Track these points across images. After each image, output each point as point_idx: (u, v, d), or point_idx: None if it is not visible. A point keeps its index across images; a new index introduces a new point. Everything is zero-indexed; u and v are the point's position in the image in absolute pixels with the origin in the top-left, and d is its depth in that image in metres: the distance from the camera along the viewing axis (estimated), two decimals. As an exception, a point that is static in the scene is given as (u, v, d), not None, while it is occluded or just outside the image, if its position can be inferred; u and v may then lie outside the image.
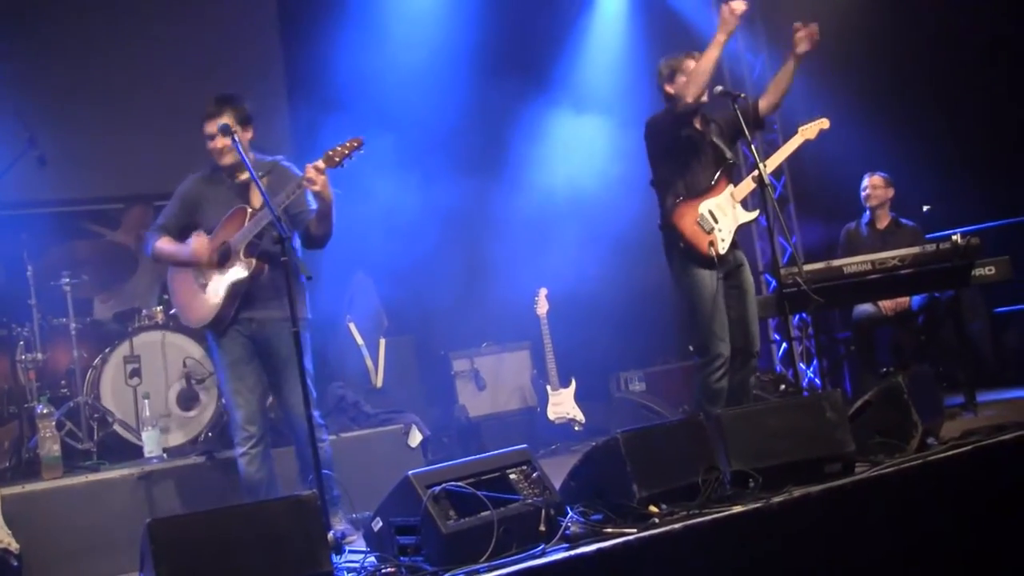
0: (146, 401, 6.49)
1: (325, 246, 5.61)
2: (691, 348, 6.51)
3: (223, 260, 5.46)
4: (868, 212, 8.42)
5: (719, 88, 6.25)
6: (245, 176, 5.58)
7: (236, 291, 5.45)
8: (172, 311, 7.07)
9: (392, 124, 8.36)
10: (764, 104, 6.38)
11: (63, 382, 6.92)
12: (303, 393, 4.95)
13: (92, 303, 7.54)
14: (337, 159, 5.16)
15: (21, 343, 6.73)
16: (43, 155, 6.81)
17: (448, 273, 9.09)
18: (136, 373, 6.75)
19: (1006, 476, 5.00)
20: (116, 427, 6.67)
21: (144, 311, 7.13)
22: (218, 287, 5.48)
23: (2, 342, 6.78)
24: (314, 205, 5.46)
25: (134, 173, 8.51)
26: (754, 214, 6.37)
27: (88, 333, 7.07)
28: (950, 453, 5.00)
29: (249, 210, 5.48)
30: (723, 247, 6.14)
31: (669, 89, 6.30)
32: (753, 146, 6.18)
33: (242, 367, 5.55)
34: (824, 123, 6.85)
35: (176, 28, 9.00)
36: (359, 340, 8.60)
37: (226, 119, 5.47)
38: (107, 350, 6.84)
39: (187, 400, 6.88)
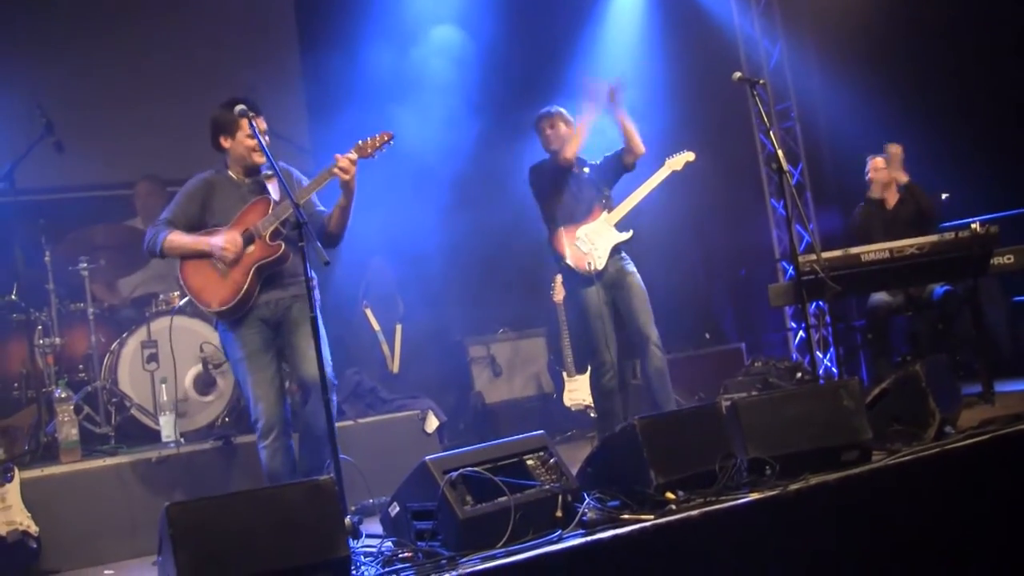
0: (163, 386, 6.50)
1: (337, 246, 5.65)
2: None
3: (246, 244, 5.47)
4: (876, 194, 8.27)
5: (738, 75, 6.43)
6: (259, 176, 5.63)
7: (260, 275, 5.43)
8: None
9: (409, 113, 8.35)
10: (627, 159, 6.93)
11: (81, 367, 6.92)
12: (321, 375, 4.90)
13: (109, 287, 7.55)
14: (369, 150, 5.27)
15: (39, 328, 6.73)
16: (60, 141, 6.81)
17: (465, 259, 9.09)
18: (153, 358, 6.75)
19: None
20: (133, 411, 6.68)
21: (161, 296, 7.14)
22: (242, 272, 5.43)
23: (20, 327, 6.79)
24: (320, 207, 5.57)
25: (151, 159, 8.50)
26: (628, 234, 6.88)
27: (105, 318, 7.08)
28: (968, 442, 5.00)
29: (271, 202, 5.49)
30: (600, 263, 6.80)
31: (546, 141, 6.99)
32: (772, 133, 6.19)
33: (260, 358, 5.48)
34: (690, 156, 7.06)
35: (195, 19, 9.00)
36: (375, 326, 8.62)
37: (263, 123, 5.53)
38: (124, 335, 6.85)
39: (204, 385, 6.88)
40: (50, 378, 6.57)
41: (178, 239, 5.54)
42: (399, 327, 8.69)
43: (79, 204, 8.25)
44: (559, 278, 8.69)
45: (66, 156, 6.92)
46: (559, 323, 8.67)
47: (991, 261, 7.04)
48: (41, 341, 6.68)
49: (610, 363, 6.86)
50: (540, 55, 9.76)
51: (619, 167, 6.98)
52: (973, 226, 6.96)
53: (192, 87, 8.60)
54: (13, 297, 6.79)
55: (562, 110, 6.97)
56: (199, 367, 6.87)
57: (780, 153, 6.02)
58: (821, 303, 10.17)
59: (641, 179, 6.99)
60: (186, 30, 8.94)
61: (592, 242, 6.84)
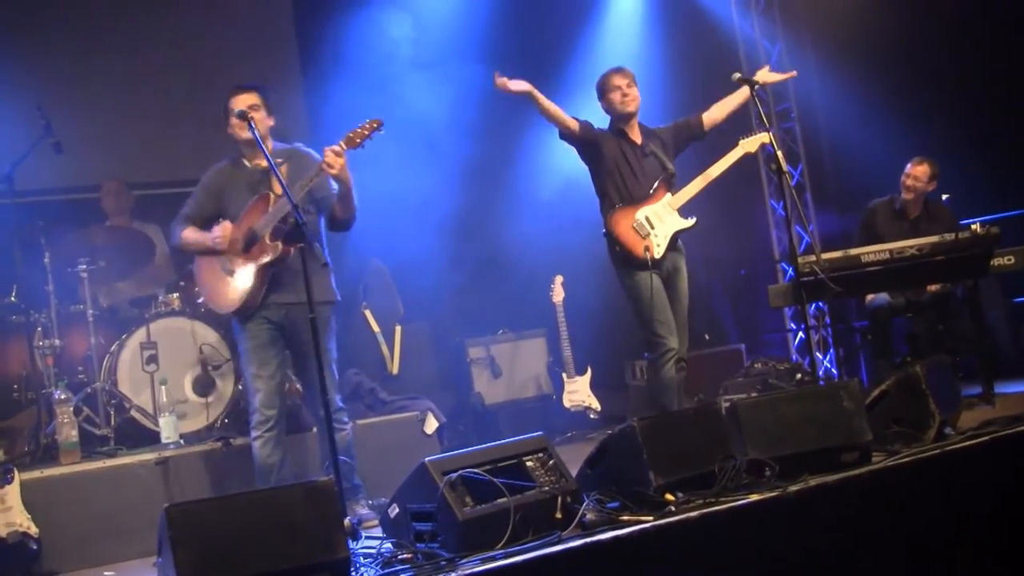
0: (163, 387, 6.51)
1: (350, 228, 5.76)
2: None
3: (249, 246, 5.49)
4: (902, 199, 8.05)
5: (737, 75, 6.42)
6: (265, 163, 5.60)
7: (264, 276, 5.48)
8: (198, 299, 7.10)
9: (407, 109, 8.34)
10: (708, 120, 6.70)
11: (80, 368, 6.92)
12: (320, 377, 4.96)
13: (105, 290, 7.54)
14: (357, 140, 5.27)
15: (39, 329, 6.74)
16: (59, 142, 6.82)
17: (464, 260, 9.07)
18: (153, 359, 6.76)
19: (1024, 466, 4.99)
20: (133, 413, 6.68)
21: (160, 297, 7.15)
22: (246, 272, 5.52)
23: (20, 328, 6.79)
24: (336, 188, 5.58)
25: (150, 160, 8.52)
26: (691, 221, 6.54)
27: (105, 319, 7.08)
28: (968, 443, 4.99)
29: (272, 196, 5.52)
30: (659, 251, 6.40)
31: (601, 105, 6.62)
32: (771, 133, 6.20)
33: (265, 352, 5.60)
34: (765, 137, 6.76)
35: (191, 15, 8.99)
36: (375, 327, 8.61)
37: (253, 99, 5.60)
38: (124, 336, 6.84)
39: (203, 386, 6.88)
40: (50, 379, 6.57)
41: (189, 235, 5.73)
42: (399, 328, 8.68)
43: (78, 205, 8.24)
44: (559, 279, 8.69)
45: (65, 157, 6.93)
46: (558, 323, 8.66)
47: (992, 262, 7.02)
48: (41, 343, 6.68)
49: (673, 350, 6.36)
50: (538, 55, 9.75)
51: (692, 135, 6.69)
52: (974, 227, 6.93)
53: (194, 87, 8.60)
54: (13, 299, 6.80)
55: (623, 69, 6.58)
56: (198, 369, 6.88)
57: (779, 154, 6.03)
58: (821, 304, 10.16)
59: (702, 162, 6.74)
60: (185, 32, 8.92)
61: (652, 227, 6.44)
